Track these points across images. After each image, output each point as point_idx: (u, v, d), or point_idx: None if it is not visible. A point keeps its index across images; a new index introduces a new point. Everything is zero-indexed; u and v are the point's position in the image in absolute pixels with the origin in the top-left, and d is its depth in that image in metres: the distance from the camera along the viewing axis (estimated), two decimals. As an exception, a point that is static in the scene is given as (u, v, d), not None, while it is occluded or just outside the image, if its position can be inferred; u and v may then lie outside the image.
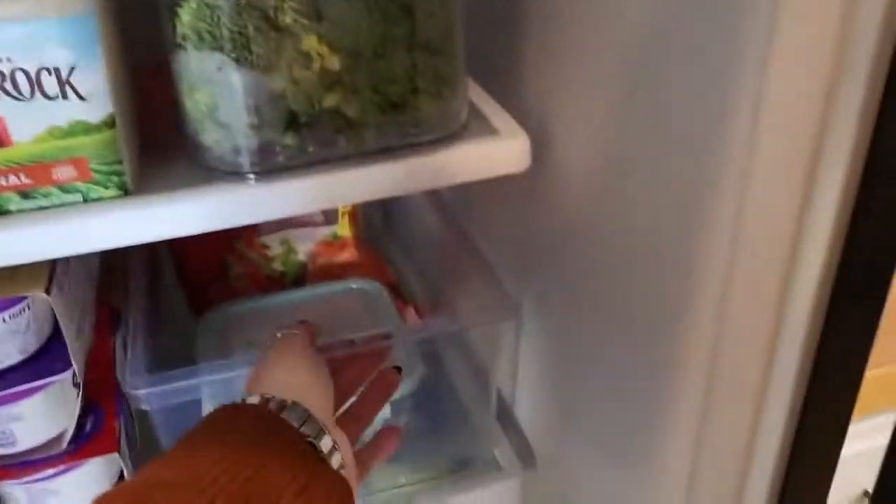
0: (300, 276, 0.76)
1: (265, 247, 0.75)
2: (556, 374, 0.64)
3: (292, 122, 0.45)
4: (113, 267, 0.66)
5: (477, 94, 0.55)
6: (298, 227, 0.75)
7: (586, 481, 0.61)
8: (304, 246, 0.76)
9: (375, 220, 0.88)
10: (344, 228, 0.76)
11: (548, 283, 0.62)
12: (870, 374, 0.42)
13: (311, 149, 0.46)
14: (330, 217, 0.76)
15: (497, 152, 0.49)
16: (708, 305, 0.41)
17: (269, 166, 0.46)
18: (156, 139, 0.52)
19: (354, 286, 0.72)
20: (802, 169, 0.36)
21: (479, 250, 0.65)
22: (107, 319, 0.61)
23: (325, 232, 0.76)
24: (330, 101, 0.45)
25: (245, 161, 0.45)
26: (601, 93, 0.47)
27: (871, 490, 0.45)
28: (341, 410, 0.50)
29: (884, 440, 0.43)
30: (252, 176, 0.46)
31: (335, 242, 0.76)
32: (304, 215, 0.74)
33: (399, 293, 0.78)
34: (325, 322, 0.54)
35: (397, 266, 0.84)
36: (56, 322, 0.53)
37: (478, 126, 0.51)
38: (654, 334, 0.46)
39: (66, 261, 0.52)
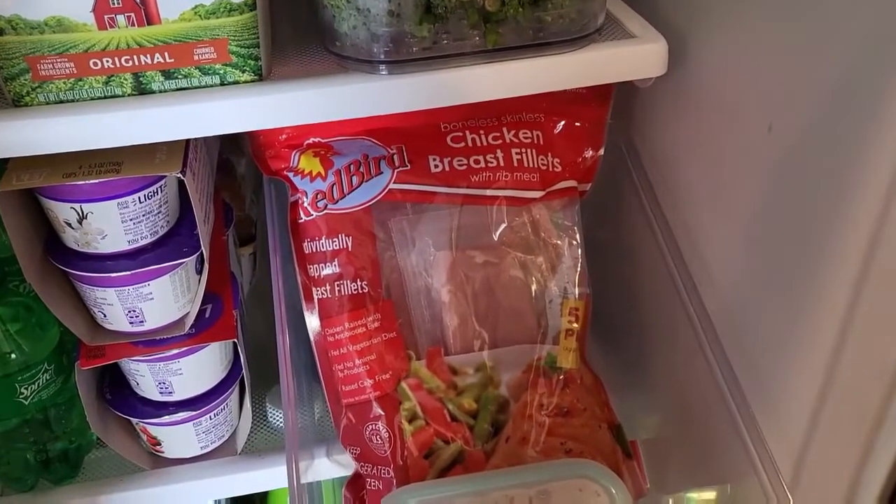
0: (495, 423, 0.53)
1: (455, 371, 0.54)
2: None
3: (428, 13, 0.44)
4: (224, 165, 0.67)
5: (614, 4, 0.53)
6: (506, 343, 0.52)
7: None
8: (509, 373, 0.53)
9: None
10: (568, 355, 0.53)
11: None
12: None
13: (445, 42, 0.45)
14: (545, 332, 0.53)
15: (635, 55, 0.47)
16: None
17: (402, 57, 0.45)
18: (284, 31, 0.52)
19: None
20: None
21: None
22: (221, 214, 0.63)
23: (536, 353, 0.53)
24: (469, -8, 0.44)
25: (379, 50, 0.45)
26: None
27: None
28: None
29: None
30: (384, 66, 0.46)
31: (553, 375, 0.54)
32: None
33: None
34: None
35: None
36: (182, 209, 0.55)
37: (615, 31, 0.50)
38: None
39: (196, 149, 0.53)
